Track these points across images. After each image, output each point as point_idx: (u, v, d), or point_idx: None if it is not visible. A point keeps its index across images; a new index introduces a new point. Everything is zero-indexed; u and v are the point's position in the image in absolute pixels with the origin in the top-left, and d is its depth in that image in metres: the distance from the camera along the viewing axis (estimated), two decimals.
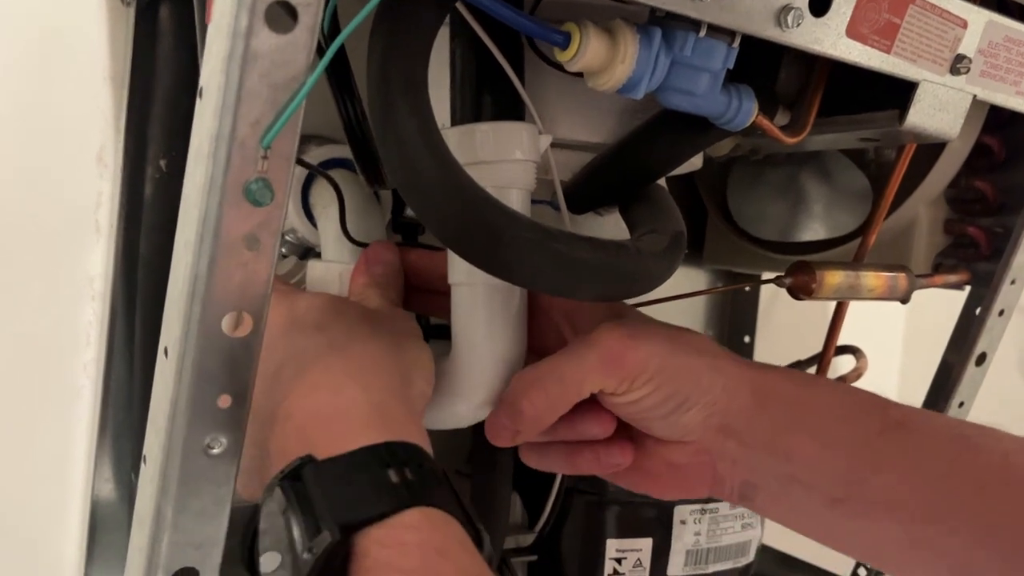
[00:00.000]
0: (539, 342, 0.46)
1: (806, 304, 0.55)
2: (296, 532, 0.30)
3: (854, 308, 0.60)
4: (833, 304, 0.59)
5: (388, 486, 0.32)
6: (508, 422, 0.43)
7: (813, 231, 0.65)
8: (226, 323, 0.32)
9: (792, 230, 0.67)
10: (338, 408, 0.36)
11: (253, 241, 0.31)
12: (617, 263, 0.39)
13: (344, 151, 0.51)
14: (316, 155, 0.53)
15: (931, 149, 0.57)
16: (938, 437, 0.42)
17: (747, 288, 0.81)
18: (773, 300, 0.88)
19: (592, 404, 0.44)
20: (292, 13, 0.29)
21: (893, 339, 1.06)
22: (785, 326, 0.88)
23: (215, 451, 0.34)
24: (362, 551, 0.30)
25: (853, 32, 0.41)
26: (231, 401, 0.33)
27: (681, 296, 0.52)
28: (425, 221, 0.38)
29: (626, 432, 0.46)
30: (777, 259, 0.68)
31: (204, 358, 0.32)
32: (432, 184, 0.36)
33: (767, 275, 0.53)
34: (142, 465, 0.36)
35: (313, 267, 0.50)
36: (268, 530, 0.31)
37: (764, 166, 0.66)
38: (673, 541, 0.60)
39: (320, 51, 0.30)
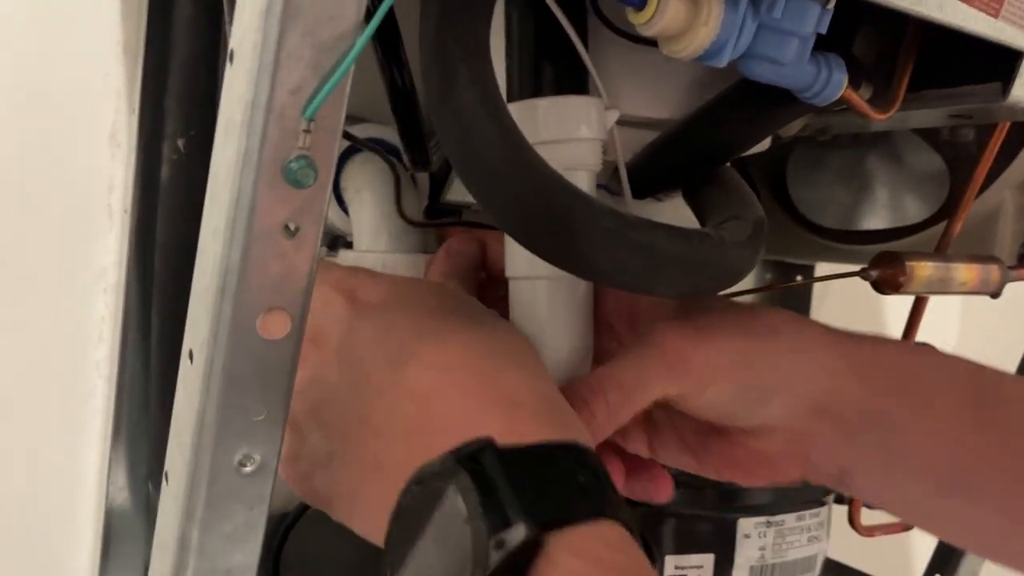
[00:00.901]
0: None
1: (859, 299, 0.52)
2: (479, 522, 0.26)
3: (899, 302, 0.56)
4: (887, 299, 0.55)
5: (581, 489, 0.28)
6: None
7: (880, 218, 0.61)
8: (261, 323, 0.29)
9: (856, 217, 0.63)
10: (500, 393, 0.32)
11: (293, 228, 0.28)
12: (702, 254, 0.34)
13: (382, 132, 0.48)
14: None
15: (1019, 128, 0.53)
16: None
17: (798, 278, 0.77)
18: (824, 295, 0.84)
19: None
20: None
21: (946, 335, 1.02)
22: (837, 323, 0.84)
23: (248, 469, 0.30)
24: (551, 557, 0.26)
25: None
26: (266, 412, 0.30)
27: (749, 291, 0.48)
28: (486, 206, 0.34)
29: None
30: (837, 248, 0.64)
31: (236, 363, 0.29)
32: (497, 164, 0.31)
33: (849, 268, 0.48)
34: (163, 484, 0.32)
35: (344, 257, 0.47)
36: (439, 520, 0.27)
37: (829, 148, 0.62)
38: (736, 556, 0.57)
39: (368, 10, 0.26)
